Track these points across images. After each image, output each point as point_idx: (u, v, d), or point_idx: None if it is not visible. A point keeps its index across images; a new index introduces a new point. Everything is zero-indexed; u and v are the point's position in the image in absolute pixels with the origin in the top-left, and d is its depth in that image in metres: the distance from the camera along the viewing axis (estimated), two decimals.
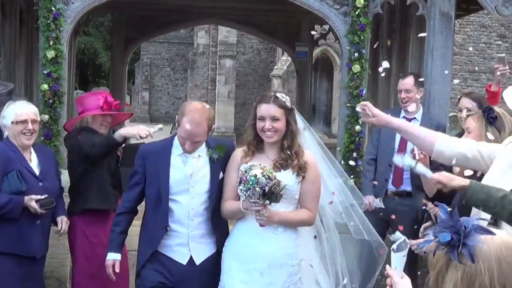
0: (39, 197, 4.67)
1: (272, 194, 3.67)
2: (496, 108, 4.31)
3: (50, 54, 6.58)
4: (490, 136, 4.17)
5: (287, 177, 3.94)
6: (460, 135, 5.49)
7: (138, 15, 12.63)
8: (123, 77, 13.39)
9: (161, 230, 4.17)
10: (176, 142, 4.24)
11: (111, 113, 5.32)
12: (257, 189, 3.62)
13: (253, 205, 3.75)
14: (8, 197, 4.64)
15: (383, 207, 6.01)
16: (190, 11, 12.36)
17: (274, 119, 3.96)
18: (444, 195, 4.25)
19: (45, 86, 6.56)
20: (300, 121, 4.20)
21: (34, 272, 4.88)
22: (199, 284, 4.19)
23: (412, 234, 6.02)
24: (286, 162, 4.00)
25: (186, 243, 4.18)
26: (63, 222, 4.89)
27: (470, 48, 21.36)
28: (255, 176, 3.63)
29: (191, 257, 4.19)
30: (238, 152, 4.18)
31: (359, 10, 6.76)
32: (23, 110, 4.77)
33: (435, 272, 1.86)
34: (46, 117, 6.52)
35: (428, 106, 6.83)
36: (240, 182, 3.73)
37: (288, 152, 4.00)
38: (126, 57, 13.58)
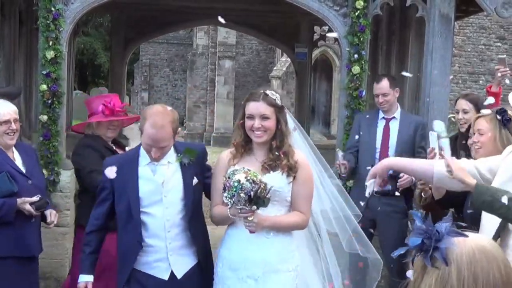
0: (33, 199, 4.63)
1: (258, 198, 3.44)
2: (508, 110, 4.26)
3: (50, 54, 6.57)
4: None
5: (276, 179, 3.73)
6: (455, 137, 5.49)
7: (137, 15, 12.64)
8: (122, 78, 13.41)
9: (136, 246, 3.92)
10: (142, 151, 3.97)
11: (113, 118, 5.25)
12: (242, 195, 3.39)
13: (240, 211, 3.52)
14: (1, 201, 4.58)
15: (343, 161, 5.88)
16: (189, 12, 12.37)
17: (264, 117, 3.73)
18: (449, 199, 4.22)
19: (44, 87, 6.54)
20: (290, 121, 3.99)
21: (33, 271, 4.88)
22: None
23: (400, 234, 6.06)
24: (275, 162, 3.78)
25: (165, 257, 3.94)
26: (52, 215, 4.82)
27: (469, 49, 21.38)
28: (239, 181, 3.41)
29: (172, 272, 3.95)
30: (225, 155, 3.97)
31: (358, 12, 6.75)
32: (5, 110, 4.71)
33: (414, 276, 1.87)
34: (45, 117, 6.51)
35: (427, 107, 6.84)
36: (224, 189, 3.50)
37: (276, 153, 3.78)
38: (125, 57, 13.60)
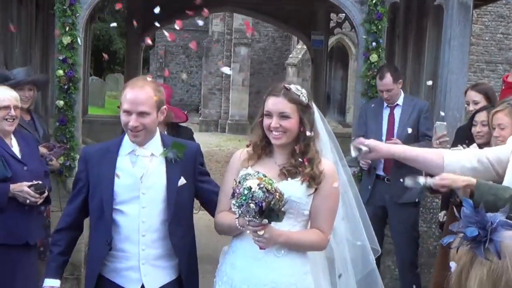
0: (30, 183, 4.56)
1: (271, 211, 2.87)
2: None
3: (66, 40, 6.58)
4: None
5: (293, 187, 3.17)
6: (467, 126, 5.46)
7: (153, 2, 12.63)
8: (138, 64, 13.44)
9: (104, 248, 3.36)
10: (125, 140, 3.46)
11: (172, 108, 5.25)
12: (252, 205, 2.83)
13: (248, 223, 2.95)
14: None
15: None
16: None
17: (283, 116, 3.17)
18: None
19: (61, 72, 6.56)
20: (321, 124, 3.40)
21: (28, 259, 4.75)
22: None
23: (412, 226, 6.05)
24: (296, 169, 3.20)
25: (137, 266, 3.36)
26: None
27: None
28: (249, 188, 2.84)
29: (142, 285, 3.38)
30: (240, 153, 3.40)
31: None
32: (5, 95, 4.69)
33: (458, 268, 1.82)
34: (61, 103, 6.54)
35: (444, 95, 6.81)
36: (233, 195, 2.92)
37: (300, 159, 3.21)
38: (141, 44, 13.59)
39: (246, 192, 2.84)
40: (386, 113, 6.13)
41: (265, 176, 2.97)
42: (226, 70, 6.24)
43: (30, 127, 5.53)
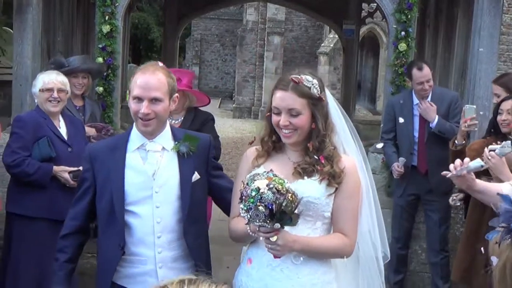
0: (72, 169, 4.71)
1: (283, 214, 2.47)
2: None
3: (106, 28, 6.66)
4: None
5: (311, 187, 2.78)
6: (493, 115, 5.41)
7: None
8: (175, 52, 13.50)
9: (117, 253, 3.02)
10: (133, 134, 3.11)
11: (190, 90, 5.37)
12: (261, 208, 2.43)
13: (258, 229, 2.56)
14: (36, 166, 4.70)
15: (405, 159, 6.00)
16: None
17: (293, 112, 2.77)
18: None
19: (100, 60, 6.65)
20: (337, 114, 2.98)
21: None
22: None
23: (446, 207, 6.02)
24: (313, 167, 2.80)
25: (154, 270, 3.03)
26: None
27: None
28: (258, 190, 2.44)
29: None
30: (250, 151, 3.01)
31: None
32: (50, 78, 4.86)
33: (500, 262, 1.78)
34: (101, 89, 6.64)
35: (473, 85, 6.73)
36: (240, 199, 2.53)
37: (315, 156, 2.82)
38: (177, 32, 13.67)
39: (254, 194, 2.46)
40: (416, 108, 6.06)
41: (275, 176, 2.55)
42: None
43: (80, 112, 5.64)
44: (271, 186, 2.45)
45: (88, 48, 8.42)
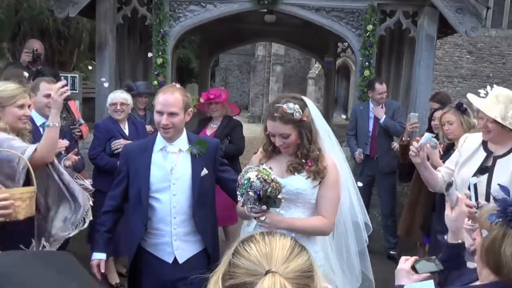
0: (126, 141, 4.57)
1: (269, 198, 2.37)
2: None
3: (159, 60, 6.70)
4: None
5: (299, 181, 2.66)
6: (428, 120, 5.37)
7: (218, 34, 12.66)
8: (207, 77, 13.49)
9: (141, 228, 2.95)
10: (158, 138, 3.00)
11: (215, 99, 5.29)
12: (251, 193, 2.35)
13: (251, 210, 2.45)
14: (105, 160, 4.68)
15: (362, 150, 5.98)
16: (253, 33, 12.34)
17: (283, 135, 2.63)
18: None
19: (155, 83, 6.70)
20: (323, 126, 2.76)
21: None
22: (183, 284, 2.86)
23: (393, 183, 5.99)
24: (301, 166, 2.68)
25: (170, 242, 2.95)
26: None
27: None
28: (249, 179, 2.35)
29: (175, 257, 2.97)
30: (257, 156, 2.87)
31: (369, 33, 6.66)
32: (115, 96, 4.86)
33: (491, 236, 1.68)
34: None
35: (415, 100, 6.72)
36: (237, 186, 2.43)
37: (303, 160, 2.68)
38: (209, 63, 13.66)
39: (246, 182, 2.35)
40: (371, 113, 6.03)
41: (264, 169, 2.39)
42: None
43: (142, 119, 5.60)
44: (259, 176, 2.33)
45: (147, 74, 8.48)
